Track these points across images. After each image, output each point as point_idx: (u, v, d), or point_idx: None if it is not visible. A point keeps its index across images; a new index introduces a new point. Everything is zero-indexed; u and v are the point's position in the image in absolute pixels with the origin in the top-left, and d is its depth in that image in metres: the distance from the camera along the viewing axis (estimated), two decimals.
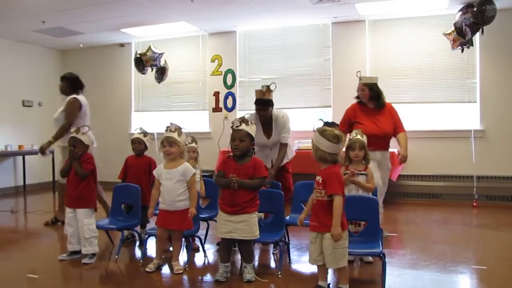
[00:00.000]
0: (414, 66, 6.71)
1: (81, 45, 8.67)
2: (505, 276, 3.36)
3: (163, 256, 3.69)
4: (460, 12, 5.85)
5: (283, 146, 4.42)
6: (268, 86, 4.28)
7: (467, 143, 6.34)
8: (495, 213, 5.82)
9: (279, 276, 3.38)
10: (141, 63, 7.48)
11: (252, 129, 3.30)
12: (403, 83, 6.79)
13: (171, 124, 3.54)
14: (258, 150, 4.32)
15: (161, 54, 7.51)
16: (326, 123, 3.01)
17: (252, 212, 3.25)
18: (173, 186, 3.44)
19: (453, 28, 5.96)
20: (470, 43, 5.95)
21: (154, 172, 3.58)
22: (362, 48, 7.02)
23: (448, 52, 6.34)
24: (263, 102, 4.29)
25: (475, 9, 5.69)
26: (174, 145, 3.45)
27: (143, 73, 7.68)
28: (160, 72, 7.69)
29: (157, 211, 3.61)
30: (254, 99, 4.36)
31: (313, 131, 2.93)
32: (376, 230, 3.28)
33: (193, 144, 4.17)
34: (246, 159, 3.30)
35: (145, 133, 4.42)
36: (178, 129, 3.52)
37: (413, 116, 6.55)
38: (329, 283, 3.03)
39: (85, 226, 3.72)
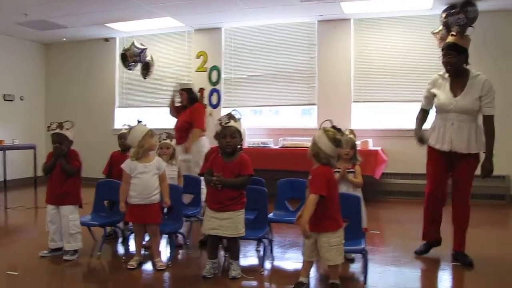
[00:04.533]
0: (400, 65, 6.74)
1: (64, 39, 8.53)
2: (484, 272, 3.43)
3: (146, 253, 3.69)
4: (447, 12, 5.87)
5: (487, 120, 3.54)
6: (461, 32, 3.65)
7: None
8: (475, 211, 5.80)
9: (262, 273, 3.40)
10: (126, 58, 7.42)
11: (239, 125, 3.28)
12: (388, 81, 6.83)
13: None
14: (439, 118, 3.76)
15: (144, 49, 7.43)
16: (333, 127, 2.98)
17: (237, 209, 3.23)
18: (150, 179, 3.48)
19: (441, 27, 6.02)
20: None
21: (125, 166, 3.53)
22: (347, 46, 7.05)
23: (433, 51, 6.36)
24: (447, 46, 3.59)
25: (458, 10, 5.76)
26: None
27: (130, 69, 7.60)
28: (145, 68, 7.63)
29: None
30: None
31: (319, 129, 2.94)
32: (358, 228, 3.31)
33: (168, 141, 4.26)
34: (234, 155, 3.28)
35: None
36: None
37: (397, 115, 6.61)
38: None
39: (71, 222, 3.69)
